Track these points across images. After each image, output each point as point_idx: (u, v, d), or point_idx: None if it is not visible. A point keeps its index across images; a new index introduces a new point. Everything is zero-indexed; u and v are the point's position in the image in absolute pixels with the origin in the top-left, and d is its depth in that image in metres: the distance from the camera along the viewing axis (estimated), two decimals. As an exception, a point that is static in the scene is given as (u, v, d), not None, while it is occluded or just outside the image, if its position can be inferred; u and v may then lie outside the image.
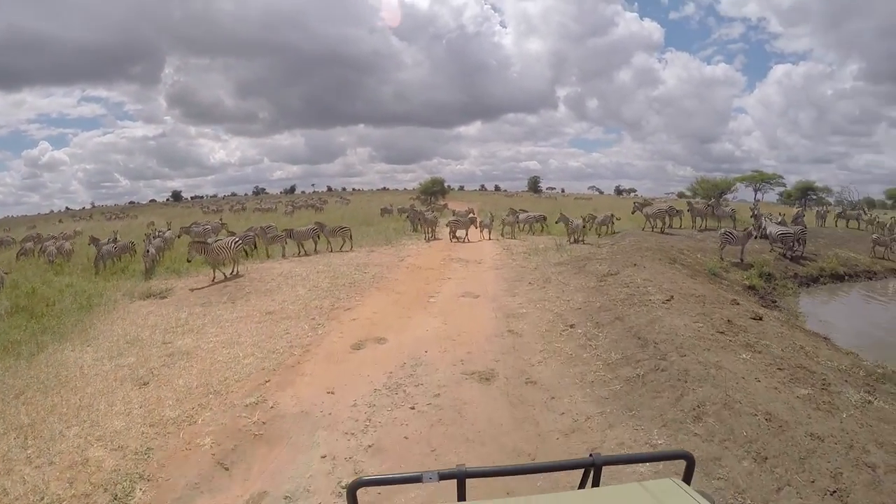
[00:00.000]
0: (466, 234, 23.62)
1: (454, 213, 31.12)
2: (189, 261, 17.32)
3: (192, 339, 10.41)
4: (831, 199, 50.17)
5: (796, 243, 21.18)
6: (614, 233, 23.00)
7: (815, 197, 50.15)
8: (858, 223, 28.91)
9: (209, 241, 17.45)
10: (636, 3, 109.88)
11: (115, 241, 20.86)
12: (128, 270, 18.46)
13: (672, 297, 10.11)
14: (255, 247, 20.42)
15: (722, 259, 17.97)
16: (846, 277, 20.65)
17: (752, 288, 16.65)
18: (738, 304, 10.76)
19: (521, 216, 25.95)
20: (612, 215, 23.98)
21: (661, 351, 7.49)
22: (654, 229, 22.97)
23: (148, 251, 18.08)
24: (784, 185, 47.26)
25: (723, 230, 19.05)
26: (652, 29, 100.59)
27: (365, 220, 31.93)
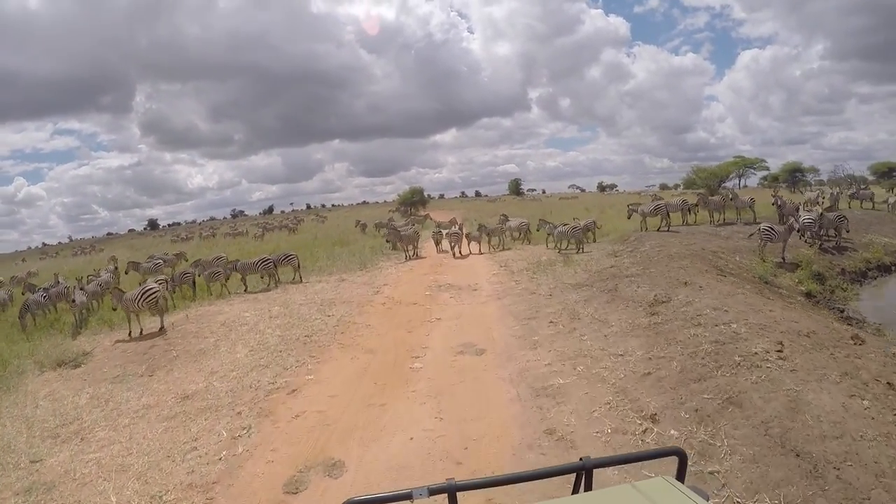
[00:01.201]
0: (458, 249, 19.93)
1: (438, 224, 27.38)
2: (114, 309, 13.65)
3: (69, 455, 6.62)
4: (824, 179, 47.86)
5: (835, 231, 17.94)
6: (629, 239, 19.46)
7: (802, 178, 47.65)
8: (872, 203, 26.04)
9: (154, 281, 13.77)
10: (600, 0, 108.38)
11: (55, 284, 16.78)
12: (58, 323, 14.49)
13: (781, 343, 6.46)
14: (194, 284, 16.44)
15: (764, 260, 14.51)
16: (894, 268, 17.47)
17: (809, 295, 13.22)
18: (861, 341, 7.17)
19: (513, 222, 22.29)
20: (595, 222, 20.71)
21: (852, 489, 3.82)
22: (662, 228, 19.61)
23: (74, 301, 14.04)
24: (767, 168, 44.60)
25: (762, 225, 15.59)
26: (618, 24, 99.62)
27: (339, 240, 28.00)
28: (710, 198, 21.40)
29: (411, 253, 20.19)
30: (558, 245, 18.19)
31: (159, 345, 11.04)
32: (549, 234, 19.32)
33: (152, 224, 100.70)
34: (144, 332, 12.03)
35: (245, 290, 16.04)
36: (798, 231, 15.62)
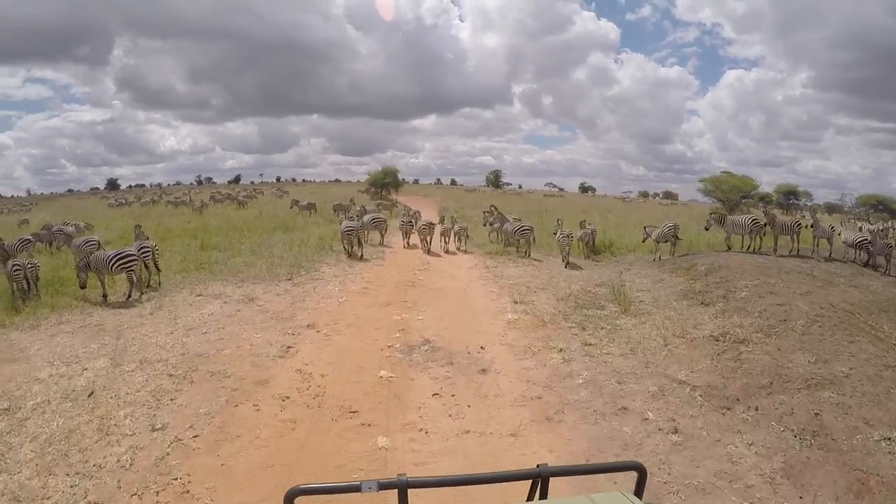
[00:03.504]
0: (427, 244, 14.89)
1: (406, 212, 20.30)
2: None
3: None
4: (819, 204, 43.91)
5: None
6: (698, 271, 13.10)
7: (796, 201, 43.19)
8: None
9: None
10: (593, 3, 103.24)
11: None
12: None
13: None
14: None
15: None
16: None
17: None
18: None
19: (510, 225, 15.59)
20: (594, 231, 15.21)
21: None
22: (673, 254, 14.07)
23: None
24: (756, 187, 39.84)
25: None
26: (608, 29, 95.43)
27: (285, 223, 20.73)
28: (777, 219, 15.18)
29: (358, 251, 13.83)
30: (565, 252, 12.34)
31: None
32: (559, 241, 13.64)
33: (112, 184, 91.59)
34: None
35: (104, 298, 9.04)
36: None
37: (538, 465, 1.34)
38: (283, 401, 5.32)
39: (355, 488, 1.21)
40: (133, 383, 5.98)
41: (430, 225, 15.85)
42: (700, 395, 5.90)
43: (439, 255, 14.96)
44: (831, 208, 55.40)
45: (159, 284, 10.37)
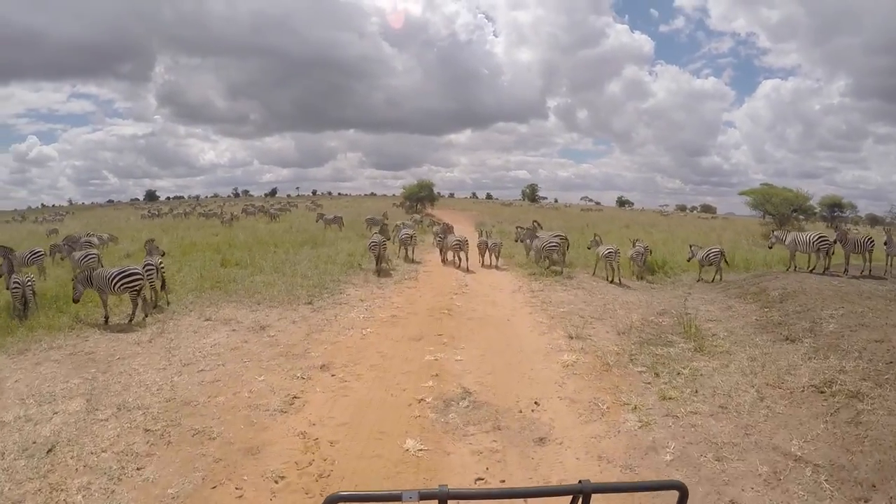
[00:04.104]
0: (458, 260, 14.03)
1: (440, 226, 18.89)
2: None
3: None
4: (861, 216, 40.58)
5: None
6: (781, 305, 11.18)
7: (841, 214, 39.99)
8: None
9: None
10: (627, 16, 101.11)
11: None
12: None
13: None
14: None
15: None
16: None
17: None
18: None
19: (539, 241, 14.23)
20: (647, 249, 13.67)
21: None
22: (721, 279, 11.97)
23: None
24: (808, 199, 37.04)
25: None
26: (642, 41, 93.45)
27: (312, 238, 19.72)
28: (849, 235, 13.00)
29: (380, 264, 13.01)
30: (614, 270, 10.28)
31: None
32: (604, 258, 12.43)
33: (150, 195, 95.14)
34: None
35: (105, 321, 8.02)
36: None
37: (580, 481, 1.24)
38: (276, 482, 3.93)
39: (396, 497, 1.15)
40: (102, 438, 4.76)
41: (464, 241, 14.65)
42: (826, 480, 4.23)
43: (476, 273, 13.53)
44: (874, 220, 51.01)
45: (167, 304, 9.30)
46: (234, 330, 7.88)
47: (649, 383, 6.12)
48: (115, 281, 8.30)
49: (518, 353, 6.96)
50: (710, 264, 12.74)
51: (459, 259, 14.42)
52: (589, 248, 14.11)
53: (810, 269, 12.47)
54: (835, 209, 39.71)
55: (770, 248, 13.90)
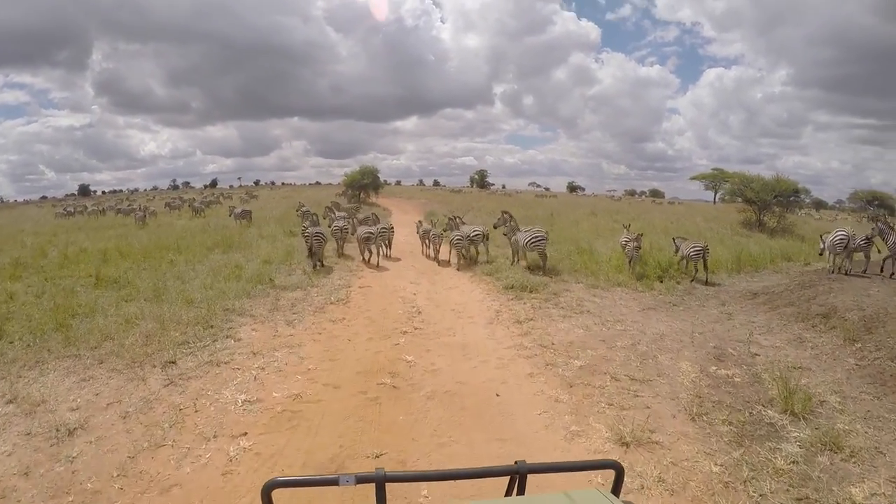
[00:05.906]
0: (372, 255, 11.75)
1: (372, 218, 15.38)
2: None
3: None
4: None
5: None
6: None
7: (797, 199, 39.56)
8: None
9: None
10: (574, 3, 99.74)
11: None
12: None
13: None
14: None
15: None
16: None
17: None
18: None
19: (522, 235, 11.17)
20: (638, 242, 11.33)
21: None
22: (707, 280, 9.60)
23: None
24: (795, 185, 35.93)
25: None
26: (589, 29, 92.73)
27: (228, 239, 15.48)
28: (892, 230, 10.57)
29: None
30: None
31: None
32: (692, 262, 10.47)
33: (83, 190, 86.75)
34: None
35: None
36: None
37: (516, 462, 1.25)
38: None
39: (333, 482, 1.14)
40: None
41: (390, 229, 12.95)
42: None
43: (428, 280, 10.24)
44: (818, 204, 51.97)
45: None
46: (28, 435, 4.07)
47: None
48: None
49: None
50: (694, 262, 10.60)
51: (370, 252, 12.33)
52: (675, 253, 11.16)
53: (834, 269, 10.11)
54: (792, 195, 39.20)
55: (820, 254, 11.14)
